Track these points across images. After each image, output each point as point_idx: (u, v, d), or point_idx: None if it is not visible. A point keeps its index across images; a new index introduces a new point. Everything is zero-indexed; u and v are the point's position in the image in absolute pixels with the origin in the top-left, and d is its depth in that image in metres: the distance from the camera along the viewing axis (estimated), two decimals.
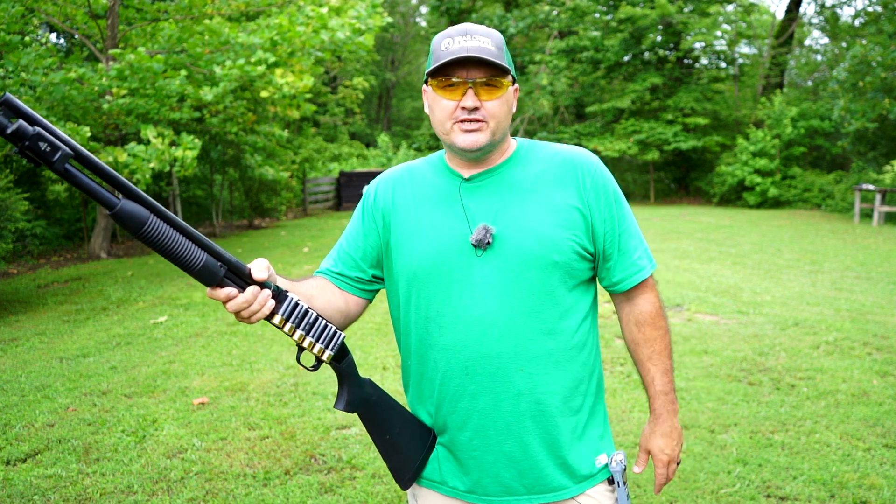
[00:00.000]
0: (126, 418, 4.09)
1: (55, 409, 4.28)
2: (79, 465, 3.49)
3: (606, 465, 1.49)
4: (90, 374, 4.96)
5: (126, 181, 1.10)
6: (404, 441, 1.47)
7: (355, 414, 4.17)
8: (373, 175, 20.13)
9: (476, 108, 1.36)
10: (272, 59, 8.86)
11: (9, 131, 0.97)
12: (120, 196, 1.11)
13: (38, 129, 1.00)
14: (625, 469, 1.49)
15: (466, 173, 1.47)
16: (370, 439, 3.72)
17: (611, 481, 1.49)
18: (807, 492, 3.11)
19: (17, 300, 7.83)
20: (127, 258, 11.06)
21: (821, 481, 3.20)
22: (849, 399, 4.23)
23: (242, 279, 1.24)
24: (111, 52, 8.17)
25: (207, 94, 8.58)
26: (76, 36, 11.03)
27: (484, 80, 1.35)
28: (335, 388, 4.51)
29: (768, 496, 3.10)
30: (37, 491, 3.22)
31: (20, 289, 8.58)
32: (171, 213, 1.15)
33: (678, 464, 1.56)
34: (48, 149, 1.01)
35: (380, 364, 5.03)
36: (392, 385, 4.55)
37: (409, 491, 1.59)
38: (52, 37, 14.22)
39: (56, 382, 4.77)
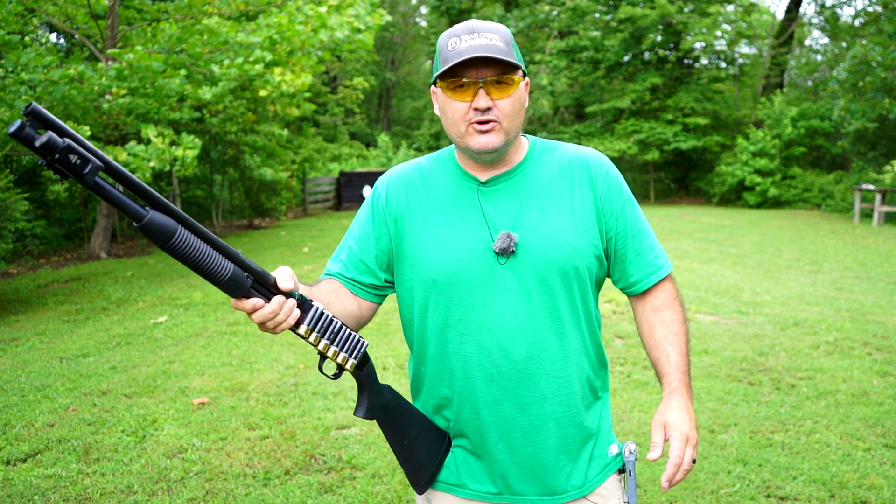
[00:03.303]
0: (126, 418, 4.08)
1: (55, 409, 4.28)
2: (79, 465, 3.49)
3: (618, 455, 1.51)
4: (90, 374, 4.96)
5: (154, 192, 1.07)
6: (421, 446, 1.46)
7: (357, 416, 4.11)
8: (373, 175, 20.13)
9: (489, 108, 1.34)
10: (269, 59, 8.86)
11: (38, 144, 0.91)
12: (148, 208, 1.07)
13: (67, 140, 0.95)
14: (636, 459, 1.51)
15: (482, 176, 1.44)
16: (370, 439, 3.73)
17: (620, 471, 1.51)
18: (807, 492, 3.11)
19: (17, 300, 7.83)
20: (127, 258, 11.06)
21: (821, 481, 3.20)
22: (849, 399, 4.23)
23: (267, 289, 1.21)
24: (109, 51, 8.17)
25: (206, 93, 8.58)
26: (76, 36, 11.03)
27: (494, 78, 1.33)
28: (335, 389, 4.51)
29: (768, 496, 3.10)
30: (37, 491, 3.21)
31: (20, 289, 8.58)
32: (198, 224, 1.11)
33: (694, 461, 1.39)
34: (78, 161, 0.96)
35: (380, 364, 5.03)
36: (393, 384, 4.55)
37: (422, 495, 1.57)
38: (52, 37, 14.23)
39: (56, 382, 4.77)
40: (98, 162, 0.98)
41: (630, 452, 1.49)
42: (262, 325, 1.21)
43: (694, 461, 1.38)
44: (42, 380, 4.84)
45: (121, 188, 1.06)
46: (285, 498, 3.15)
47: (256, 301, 1.18)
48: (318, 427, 3.92)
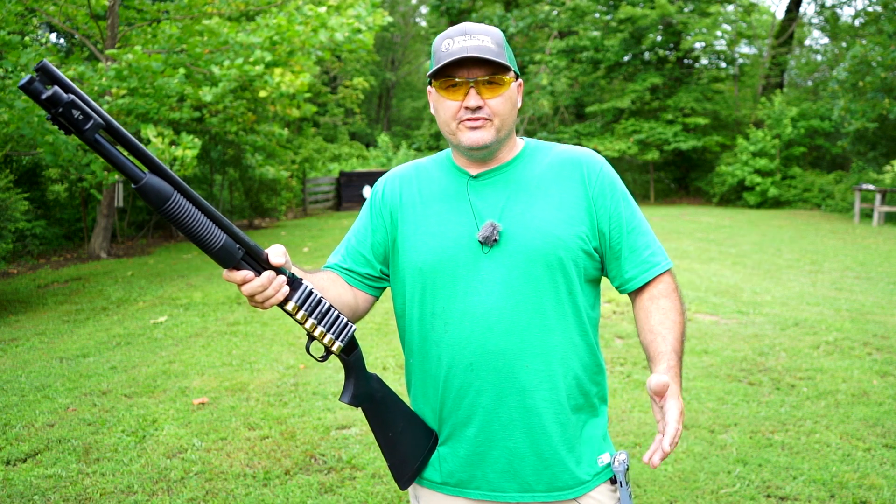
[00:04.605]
0: (126, 418, 4.08)
1: (55, 409, 4.28)
2: (79, 465, 3.49)
3: (609, 465, 1.49)
4: (90, 374, 4.96)
5: (153, 156, 1.11)
6: (406, 440, 1.47)
7: (355, 414, 4.13)
8: (373, 175, 20.14)
9: (479, 107, 1.38)
10: (269, 59, 8.86)
11: (43, 97, 0.98)
12: (146, 171, 1.12)
13: (71, 96, 1.01)
14: (627, 469, 1.49)
15: (474, 171, 1.48)
16: (371, 439, 3.73)
17: (613, 481, 1.50)
18: (807, 492, 3.11)
19: (17, 300, 7.83)
20: (127, 258, 11.06)
21: (821, 481, 3.20)
22: (849, 399, 4.23)
23: (259, 263, 1.24)
24: (108, 52, 8.17)
25: (206, 94, 8.59)
26: (76, 36, 11.03)
27: (486, 78, 1.37)
28: (335, 389, 4.51)
29: (768, 496, 3.10)
30: (37, 491, 3.21)
31: (20, 289, 8.58)
32: (194, 193, 1.16)
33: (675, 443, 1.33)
34: (80, 117, 1.02)
35: (380, 364, 5.03)
36: (392, 385, 4.55)
37: (410, 491, 1.59)
38: (52, 37, 14.22)
39: (56, 382, 4.77)
40: (99, 120, 1.04)
41: (620, 462, 1.48)
42: (252, 299, 1.24)
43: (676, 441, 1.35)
44: (42, 380, 4.84)
45: (121, 150, 1.10)
46: (285, 498, 3.15)
47: (247, 273, 1.21)
48: (318, 427, 3.92)
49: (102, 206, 10.98)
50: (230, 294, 7.57)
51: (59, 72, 1.00)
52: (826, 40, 26.70)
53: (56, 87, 1.00)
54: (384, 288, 1.60)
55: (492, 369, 1.41)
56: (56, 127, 1.08)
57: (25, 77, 0.97)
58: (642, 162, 22.08)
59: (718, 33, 21.51)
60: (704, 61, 22.47)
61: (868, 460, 3.41)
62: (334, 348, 1.34)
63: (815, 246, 11.14)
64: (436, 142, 25.57)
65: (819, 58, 26.11)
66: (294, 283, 1.28)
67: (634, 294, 1.52)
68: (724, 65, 22.49)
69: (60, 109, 1.00)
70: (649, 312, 1.45)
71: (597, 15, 22.09)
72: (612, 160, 20.83)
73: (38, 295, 8.10)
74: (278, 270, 1.26)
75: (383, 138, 25.58)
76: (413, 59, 38.35)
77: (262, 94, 9.69)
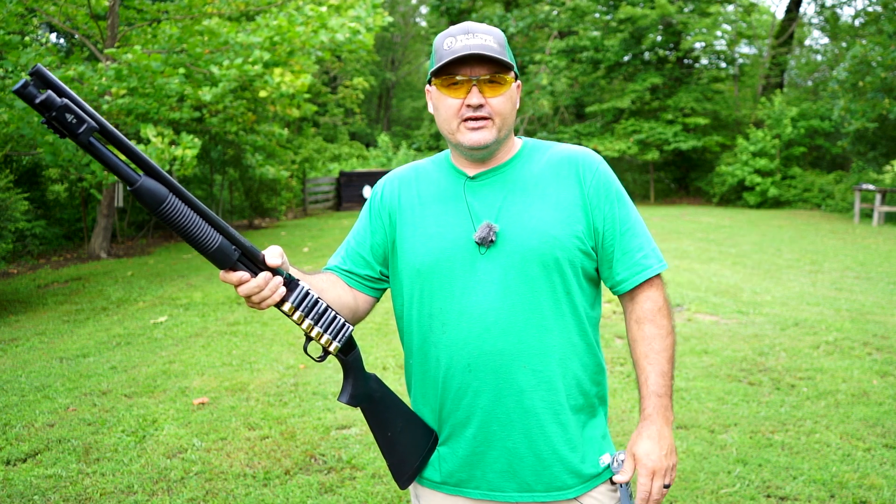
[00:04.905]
0: (126, 418, 4.08)
1: (55, 409, 4.27)
2: (79, 465, 3.49)
3: (609, 466, 1.49)
4: (90, 374, 4.96)
5: (148, 159, 1.12)
6: (405, 440, 1.47)
7: (355, 414, 4.13)
8: (373, 175, 20.15)
9: (481, 105, 1.38)
10: (266, 58, 8.86)
11: (37, 101, 1.00)
12: (141, 173, 1.13)
13: (65, 100, 1.02)
14: None
15: (471, 172, 1.48)
16: (370, 439, 3.73)
17: (613, 482, 1.50)
18: (807, 492, 3.11)
19: (17, 300, 7.83)
20: (127, 258, 11.06)
21: (821, 481, 3.20)
22: (849, 399, 4.23)
23: (256, 264, 1.25)
24: (107, 51, 8.17)
25: (206, 94, 8.58)
26: (76, 36, 11.03)
27: (488, 77, 1.37)
28: (335, 389, 4.51)
29: (768, 496, 3.10)
30: (37, 491, 3.22)
31: (20, 289, 8.58)
32: (189, 194, 1.16)
33: (667, 486, 1.42)
34: (74, 120, 1.03)
35: (380, 364, 5.03)
36: (392, 385, 4.55)
37: (410, 490, 1.59)
38: (52, 37, 14.22)
39: (56, 382, 4.77)
40: (93, 123, 1.05)
41: (619, 463, 1.48)
42: (248, 300, 1.25)
43: (667, 486, 1.42)
44: (42, 380, 4.84)
45: (116, 152, 1.12)
46: (285, 498, 3.15)
47: (243, 274, 1.22)
48: (318, 427, 3.92)
49: (102, 206, 10.98)
50: (230, 294, 7.57)
51: (53, 76, 1.01)
52: (826, 40, 26.73)
53: (50, 92, 1.01)
54: (384, 289, 1.60)
55: (490, 370, 1.41)
56: (52, 131, 1.09)
57: (20, 81, 0.98)
58: (642, 162, 22.08)
59: (718, 33, 21.53)
60: (704, 61, 22.48)
61: (868, 460, 3.41)
62: (332, 348, 1.34)
63: (815, 246, 11.14)
64: (436, 142, 25.57)
65: (819, 58, 26.12)
66: (291, 283, 1.29)
67: (625, 300, 1.52)
68: (724, 65, 22.50)
69: (54, 113, 1.01)
70: (635, 341, 1.49)
71: (597, 15, 22.10)
72: (612, 160, 20.82)
73: (38, 295, 8.10)
74: (275, 271, 1.26)
75: (383, 138, 25.58)
76: (413, 59, 38.35)
77: (262, 94, 9.69)
